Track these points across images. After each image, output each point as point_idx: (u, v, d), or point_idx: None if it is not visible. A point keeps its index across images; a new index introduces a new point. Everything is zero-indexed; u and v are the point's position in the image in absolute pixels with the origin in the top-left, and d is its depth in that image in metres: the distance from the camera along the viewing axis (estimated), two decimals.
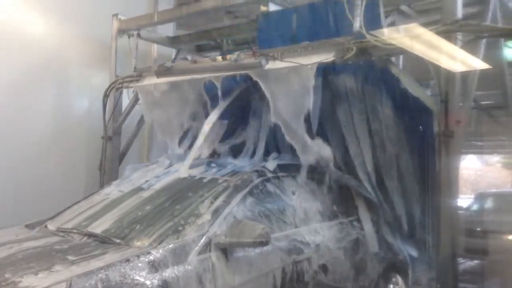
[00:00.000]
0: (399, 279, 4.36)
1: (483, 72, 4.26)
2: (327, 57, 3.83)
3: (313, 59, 3.83)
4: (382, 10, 4.26)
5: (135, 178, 4.05)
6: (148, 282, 2.47)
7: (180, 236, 2.86)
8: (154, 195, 3.52)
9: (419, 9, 4.98)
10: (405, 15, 4.84)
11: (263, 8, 4.75)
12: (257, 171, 3.66)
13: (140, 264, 2.52)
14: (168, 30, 6.59)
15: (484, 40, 4.20)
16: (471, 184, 18.94)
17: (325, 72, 4.21)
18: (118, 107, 5.75)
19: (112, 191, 3.89)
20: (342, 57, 3.79)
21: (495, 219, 7.45)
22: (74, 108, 6.03)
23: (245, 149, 4.53)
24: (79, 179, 5.85)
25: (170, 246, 2.72)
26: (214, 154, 4.50)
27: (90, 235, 3.09)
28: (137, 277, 2.46)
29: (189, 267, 2.69)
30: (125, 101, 5.74)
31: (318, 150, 3.93)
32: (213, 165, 3.92)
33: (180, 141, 4.87)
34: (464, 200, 9.61)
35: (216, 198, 3.22)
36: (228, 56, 4.30)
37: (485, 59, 4.14)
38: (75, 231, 3.21)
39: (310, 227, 3.69)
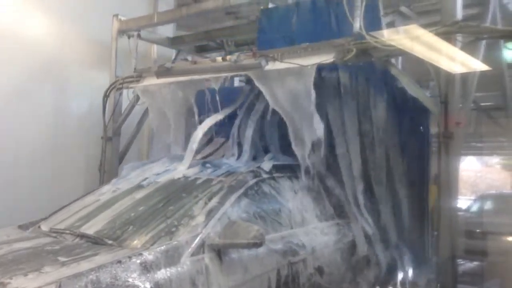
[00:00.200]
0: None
1: (482, 73, 4.27)
2: (327, 58, 3.83)
3: (313, 60, 3.83)
4: (381, 12, 4.26)
5: (133, 176, 4.03)
6: (139, 284, 2.44)
7: (173, 237, 2.83)
8: (148, 195, 3.49)
9: (419, 11, 4.99)
10: (405, 17, 4.84)
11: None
12: (252, 171, 3.63)
13: (131, 266, 2.48)
14: (168, 31, 6.59)
15: (483, 42, 4.21)
16: (470, 185, 18.93)
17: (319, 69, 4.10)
18: (118, 108, 5.75)
19: (107, 191, 3.86)
20: (342, 58, 3.79)
21: (494, 221, 7.46)
22: (74, 108, 6.03)
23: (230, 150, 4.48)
24: (79, 179, 5.85)
25: (162, 247, 2.68)
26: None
27: (83, 236, 3.06)
28: (129, 279, 2.43)
29: (182, 268, 2.66)
30: (125, 101, 5.74)
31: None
32: (208, 165, 3.88)
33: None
34: (464, 202, 9.62)
35: (210, 199, 3.20)
36: (228, 57, 4.30)
37: (485, 60, 4.15)
38: (67, 231, 3.18)
39: (306, 228, 3.66)
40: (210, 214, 3.03)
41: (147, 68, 5.45)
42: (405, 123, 4.67)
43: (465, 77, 3.93)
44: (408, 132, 4.71)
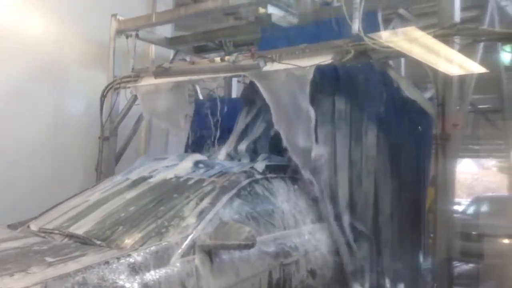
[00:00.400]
0: None
1: (480, 75, 4.28)
2: (325, 59, 3.84)
3: (311, 61, 3.84)
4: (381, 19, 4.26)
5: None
6: (128, 285, 2.40)
7: (163, 238, 2.79)
8: (139, 195, 3.45)
9: (417, 13, 5.00)
10: (403, 19, 4.85)
11: (261, 10, 4.75)
12: (245, 172, 3.59)
13: (120, 267, 2.44)
14: (167, 31, 6.58)
15: (481, 44, 4.22)
16: (467, 188, 18.98)
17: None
18: (116, 108, 5.74)
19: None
20: (340, 60, 3.80)
21: (490, 223, 7.47)
22: (72, 108, 6.03)
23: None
24: (76, 179, 5.84)
25: (152, 248, 2.64)
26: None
27: (72, 236, 3.02)
28: (117, 280, 2.39)
29: (172, 270, 2.62)
30: (123, 101, 5.73)
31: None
32: (200, 165, 3.85)
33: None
34: (461, 204, 9.64)
35: (202, 199, 3.16)
36: (226, 58, 4.31)
37: (483, 63, 4.16)
38: (56, 231, 3.13)
39: (299, 229, 3.63)
40: (201, 215, 2.99)
41: (145, 68, 5.45)
42: (405, 125, 4.64)
43: (462, 79, 3.94)
44: (408, 135, 4.67)
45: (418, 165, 4.30)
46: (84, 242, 2.90)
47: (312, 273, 3.52)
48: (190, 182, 3.50)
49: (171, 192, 3.39)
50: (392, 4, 4.69)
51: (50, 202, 3.84)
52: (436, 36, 3.54)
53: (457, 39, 3.61)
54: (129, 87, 5.42)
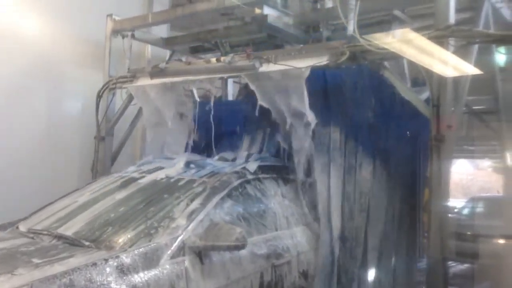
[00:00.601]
0: None
1: (475, 77, 4.29)
2: (320, 60, 3.85)
3: (306, 63, 3.85)
4: None
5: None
6: (116, 287, 2.37)
7: (153, 239, 2.76)
8: (129, 196, 3.42)
9: (413, 14, 5.01)
10: (398, 20, 4.86)
11: (257, 11, 4.76)
12: (236, 172, 3.57)
13: (107, 269, 2.41)
14: (163, 31, 6.58)
15: (476, 46, 4.24)
16: (462, 188, 19.04)
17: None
18: (111, 108, 5.74)
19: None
20: (336, 61, 3.81)
21: (485, 223, 7.50)
22: (67, 108, 6.01)
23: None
24: (71, 179, 5.82)
25: (141, 249, 2.61)
26: None
27: (60, 237, 2.99)
28: (104, 282, 2.36)
29: (161, 271, 2.59)
30: (118, 101, 5.73)
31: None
32: (192, 165, 3.84)
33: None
34: (456, 204, 9.67)
35: (192, 200, 3.14)
36: (222, 58, 4.32)
37: (477, 64, 4.17)
38: (45, 232, 3.10)
39: (291, 230, 3.61)
40: (191, 216, 2.97)
41: (140, 69, 5.45)
42: (401, 133, 4.65)
43: (457, 81, 3.95)
44: (404, 143, 4.68)
45: (414, 172, 4.34)
46: (73, 243, 2.87)
47: (304, 274, 3.50)
48: (181, 183, 3.47)
49: (161, 193, 3.36)
50: (388, 6, 4.70)
51: (45, 202, 3.83)
52: (430, 38, 3.56)
53: (451, 41, 3.62)
54: (125, 87, 5.42)
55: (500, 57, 5.21)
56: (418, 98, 4.02)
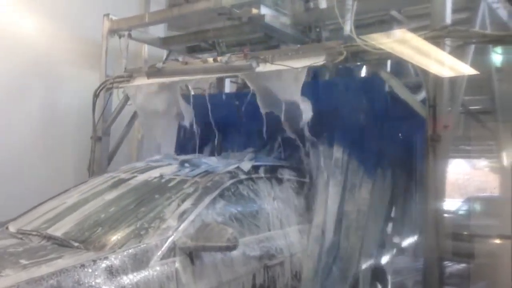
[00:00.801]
0: (378, 286, 4.25)
1: (471, 77, 4.30)
2: (317, 60, 3.86)
3: (303, 63, 3.86)
4: None
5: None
6: None
7: (143, 240, 2.72)
8: (120, 196, 3.37)
9: (410, 15, 5.02)
10: (395, 21, 4.87)
11: (254, 11, 4.77)
12: (229, 172, 3.53)
13: (96, 270, 2.38)
14: (159, 31, 6.57)
15: (472, 46, 4.25)
16: (459, 188, 19.05)
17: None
18: (108, 108, 5.73)
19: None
20: (333, 61, 3.82)
21: (481, 223, 7.51)
22: (64, 107, 5.99)
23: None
24: (67, 179, 5.80)
25: (130, 250, 2.57)
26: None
27: (49, 237, 2.93)
28: (92, 284, 2.33)
29: (151, 273, 2.56)
30: (115, 101, 5.72)
31: None
32: (186, 164, 3.82)
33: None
34: (452, 204, 9.68)
35: (183, 200, 3.09)
36: (219, 58, 4.32)
37: (474, 64, 4.18)
38: (34, 233, 3.04)
39: (285, 230, 3.58)
40: (182, 216, 2.93)
41: (137, 68, 5.45)
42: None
43: (453, 81, 3.96)
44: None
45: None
46: (62, 244, 2.82)
47: (297, 275, 3.47)
48: (173, 183, 3.42)
49: (152, 193, 3.32)
50: (384, 6, 4.71)
51: (39, 202, 3.82)
52: (427, 38, 3.57)
53: (448, 41, 3.63)
54: (121, 87, 5.41)
55: (496, 57, 5.23)
56: (414, 99, 4.03)
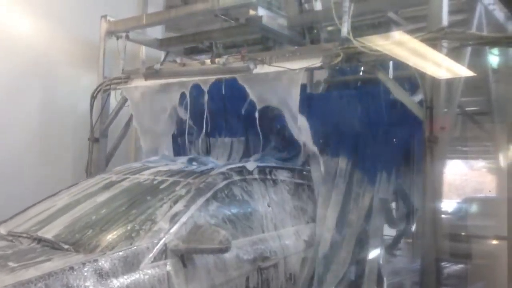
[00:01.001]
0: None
1: (468, 78, 4.32)
2: (315, 62, 3.87)
3: (301, 64, 3.87)
4: None
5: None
6: None
7: (134, 242, 2.67)
8: (112, 198, 3.33)
9: (407, 16, 5.04)
10: (393, 22, 4.88)
11: (252, 12, 4.78)
12: (222, 173, 3.48)
13: (85, 273, 2.33)
14: (157, 32, 6.58)
15: (469, 47, 4.27)
16: (456, 188, 19.08)
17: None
18: (106, 109, 5.73)
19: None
20: (330, 63, 3.83)
21: (479, 224, 7.53)
22: (61, 109, 5.98)
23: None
24: (65, 180, 5.79)
25: (120, 253, 2.52)
26: None
27: (40, 240, 2.88)
28: (81, 287, 2.28)
29: (141, 276, 2.51)
30: (113, 103, 5.71)
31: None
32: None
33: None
34: (450, 204, 9.71)
35: (176, 202, 3.04)
36: (216, 60, 4.33)
37: (470, 66, 4.20)
38: (24, 235, 2.99)
39: (279, 232, 3.55)
40: (174, 218, 2.88)
41: (135, 70, 5.45)
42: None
43: (450, 82, 3.98)
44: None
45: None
46: (52, 246, 2.77)
47: (292, 277, 3.44)
48: (165, 184, 3.38)
49: (144, 195, 3.27)
50: (381, 8, 4.72)
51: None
52: (424, 40, 3.58)
53: (445, 43, 3.65)
54: (119, 89, 5.41)
55: (493, 59, 5.25)
56: (411, 100, 4.04)
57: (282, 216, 3.71)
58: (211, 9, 4.86)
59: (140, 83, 5.10)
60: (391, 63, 4.37)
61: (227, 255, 2.91)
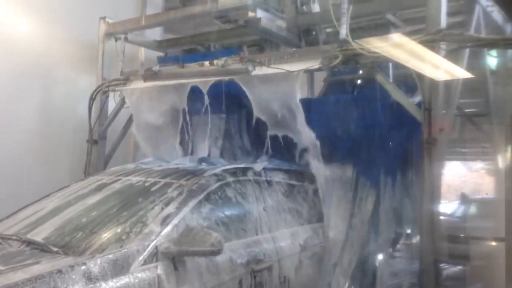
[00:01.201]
0: None
1: (466, 80, 4.33)
2: (313, 64, 3.88)
3: (299, 66, 3.88)
4: None
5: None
6: None
7: (124, 245, 2.63)
8: (103, 200, 3.30)
9: (405, 18, 5.05)
10: (391, 24, 4.89)
11: (250, 14, 4.78)
12: (215, 175, 3.45)
13: (74, 276, 2.30)
14: (156, 34, 6.58)
15: (467, 49, 4.27)
16: (455, 190, 19.10)
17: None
18: (104, 111, 5.72)
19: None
20: (328, 65, 3.84)
21: (478, 225, 7.53)
22: (60, 110, 5.97)
23: None
24: (64, 182, 5.76)
25: (110, 256, 2.49)
26: None
27: (29, 242, 2.83)
28: None
29: (131, 279, 2.47)
30: (112, 104, 5.71)
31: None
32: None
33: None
34: (448, 206, 9.70)
35: (167, 204, 2.99)
36: (215, 61, 4.33)
37: (468, 67, 4.21)
38: (14, 237, 2.94)
39: (273, 234, 3.51)
40: (166, 220, 2.84)
41: (134, 71, 5.45)
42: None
43: (449, 84, 3.99)
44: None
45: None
46: (42, 248, 2.73)
47: (286, 280, 3.40)
48: (157, 186, 3.33)
49: (136, 197, 3.23)
50: (380, 10, 4.73)
51: None
52: (422, 42, 3.59)
53: (443, 45, 3.65)
54: (118, 90, 5.41)
55: (491, 60, 5.26)
56: (410, 102, 4.05)
57: (276, 218, 3.67)
58: (209, 11, 4.86)
59: (139, 85, 5.10)
60: (390, 65, 4.39)
61: (219, 258, 2.87)
